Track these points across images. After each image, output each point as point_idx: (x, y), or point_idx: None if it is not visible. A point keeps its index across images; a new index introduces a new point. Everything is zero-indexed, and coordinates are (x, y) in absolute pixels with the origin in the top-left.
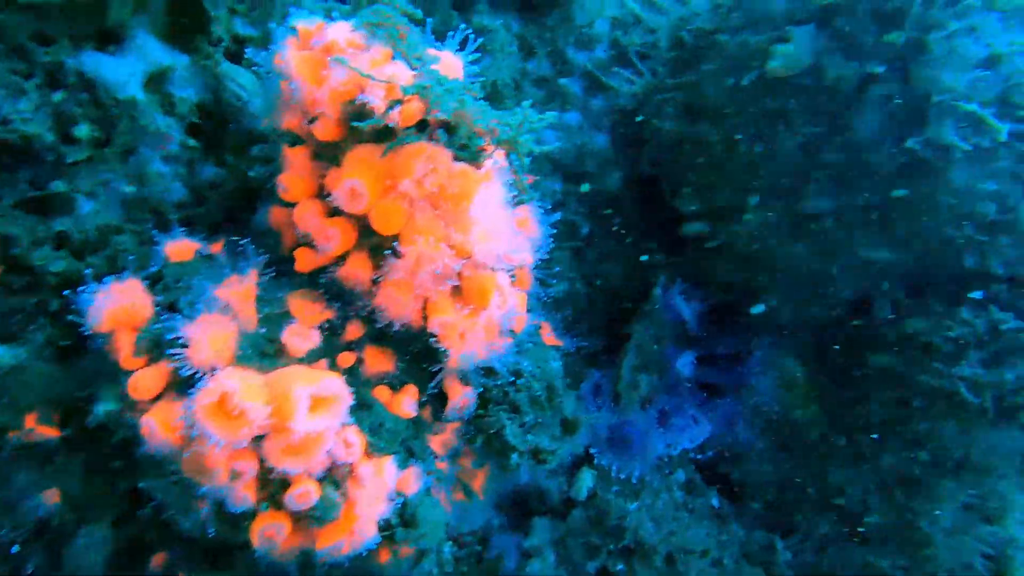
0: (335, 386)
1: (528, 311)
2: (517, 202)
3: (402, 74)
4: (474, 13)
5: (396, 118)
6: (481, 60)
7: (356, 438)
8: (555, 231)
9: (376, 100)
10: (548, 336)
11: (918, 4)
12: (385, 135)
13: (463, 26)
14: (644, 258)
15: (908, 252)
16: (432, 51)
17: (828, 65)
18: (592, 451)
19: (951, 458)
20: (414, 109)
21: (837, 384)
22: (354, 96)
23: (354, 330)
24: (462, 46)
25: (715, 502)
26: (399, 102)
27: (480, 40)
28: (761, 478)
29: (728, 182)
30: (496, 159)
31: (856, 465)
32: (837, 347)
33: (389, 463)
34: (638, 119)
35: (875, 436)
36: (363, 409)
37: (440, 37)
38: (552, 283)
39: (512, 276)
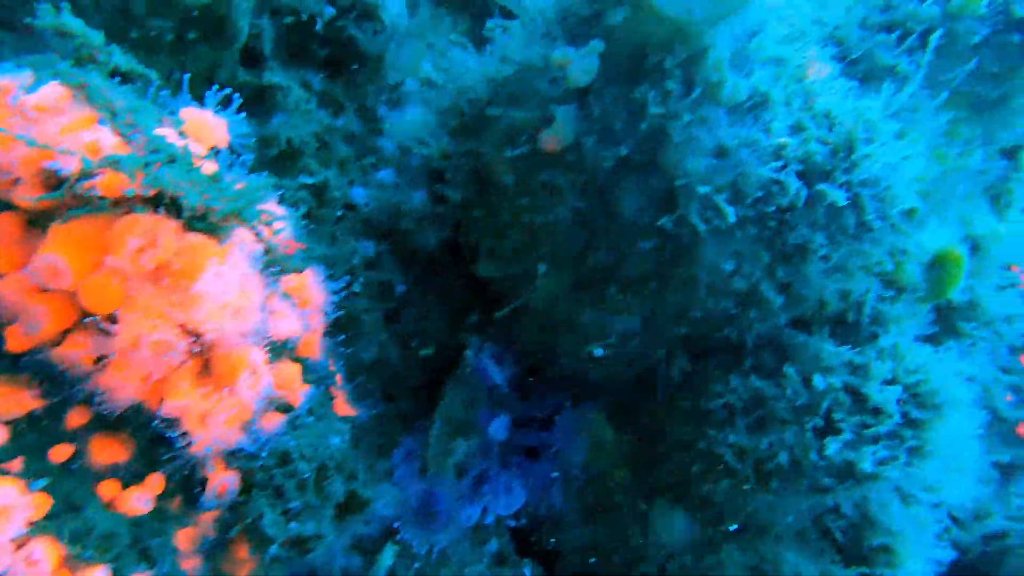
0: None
1: (316, 381)
2: (289, 269)
3: (105, 141)
4: (265, 70)
5: (94, 188)
6: (271, 119)
7: (43, 554)
8: (351, 293)
9: (67, 169)
10: (343, 406)
11: (657, 95)
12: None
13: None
14: (466, 319)
15: (684, 322)
16: (190, 110)
17: (587, 145)
18: (395, 525)
19: (732, 523)
20: (114, 180)
21: (642, 446)
22: (44, 164)
23: (77, 417)
24: (225, 105)
25: (527, 572)
26: (89, 173)
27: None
28: (574, 544)
29: (518, 250)
30: (260, 229)
31: (654, 530)
32: (638, 410)
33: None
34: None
35: (668, 500)
36: (68, 513)
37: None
38: (348, 350)
39: (288, 347)
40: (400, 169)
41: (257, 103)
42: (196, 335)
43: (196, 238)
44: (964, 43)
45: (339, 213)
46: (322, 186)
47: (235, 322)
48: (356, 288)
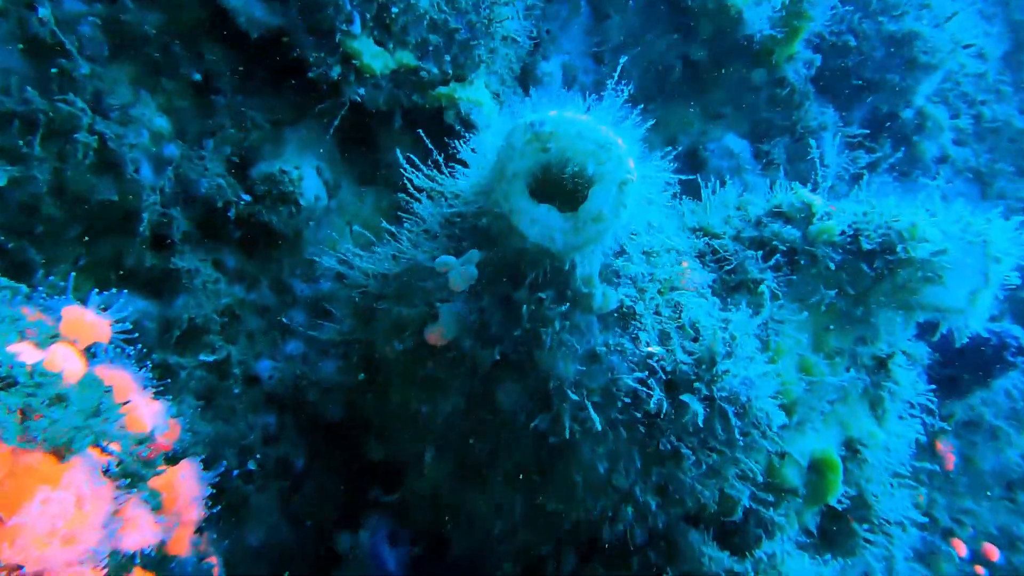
0: None
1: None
2: (149, 474)
3: None
4: (174, 255)
5: None
6: (175, 300)
7: None
8: (244, 472)
9: None
10: None
11: (531, 303)
12: None
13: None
14: (366, 494)
15: (568, 518)
16: (71, 308)
17: (467, 343)
18: None
19: None
20: None
21: None
22: None
23: None
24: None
25: None
26: None
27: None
28: None
29: (405, 435)
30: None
31: None
32: None
33: None
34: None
35: None
36: None
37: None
38: (233, 535)
39: (138, 559)
40: (309, 341)
41: (164, 284)
42: (15, 568)
43: (30, 460)
44: (824, 265)
45: (237, 391)
46: (224, 362)
47: (64, 549)
48: (251, 466)
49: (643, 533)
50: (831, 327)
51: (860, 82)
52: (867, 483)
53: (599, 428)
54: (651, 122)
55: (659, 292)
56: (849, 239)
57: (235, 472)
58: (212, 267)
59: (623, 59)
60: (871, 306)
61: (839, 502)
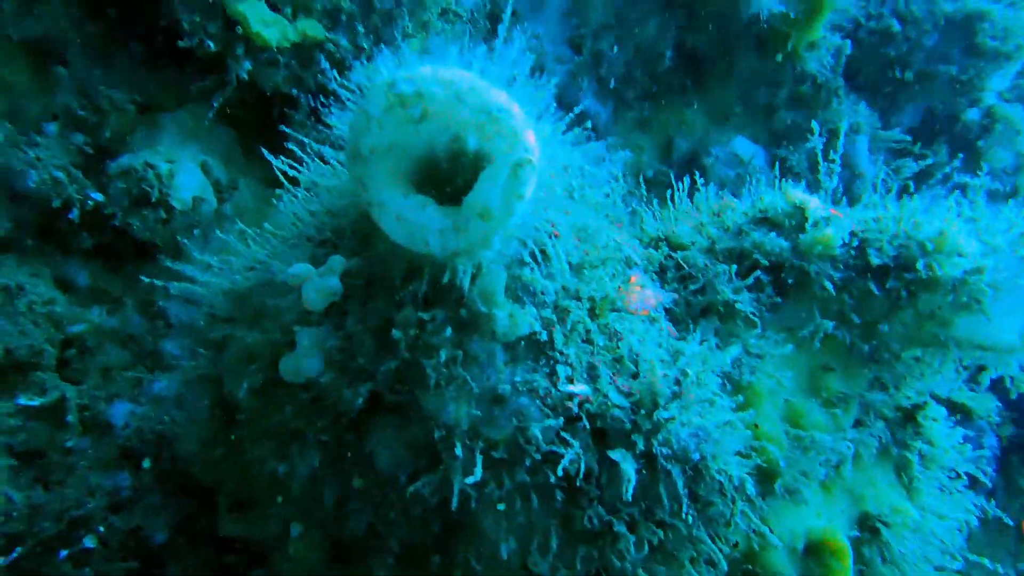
0: None
1: None
2: None
3: None
4: None
5: None
6: None
7: None
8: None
9: None
10: None
11: (411, 325)
12: None
13: None
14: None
15: None
16: None
17: (327, 382)
18: None
19: None
20: None
21: None
22: None
23: None
24: None
25: None
26: None
27: None
28: None
29: (266, 505)
30: None
31: None
32: None
33: None
34: None
35: None
36: None
37: None
38: None
39: None
40: (187, 379)
41: None
42: None
43: None
44: (819, 284)
45: (70, 444)
46: (57, 406)
47: None
48: (88, 543)
49: None
50: (832, 366)
51: (907, 75)
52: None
53: (501, 495)
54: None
55: (592, 314)
56: (854, 252)
57: (63, 553)
58: (49, 284)
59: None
60: (887, 340)
61: None
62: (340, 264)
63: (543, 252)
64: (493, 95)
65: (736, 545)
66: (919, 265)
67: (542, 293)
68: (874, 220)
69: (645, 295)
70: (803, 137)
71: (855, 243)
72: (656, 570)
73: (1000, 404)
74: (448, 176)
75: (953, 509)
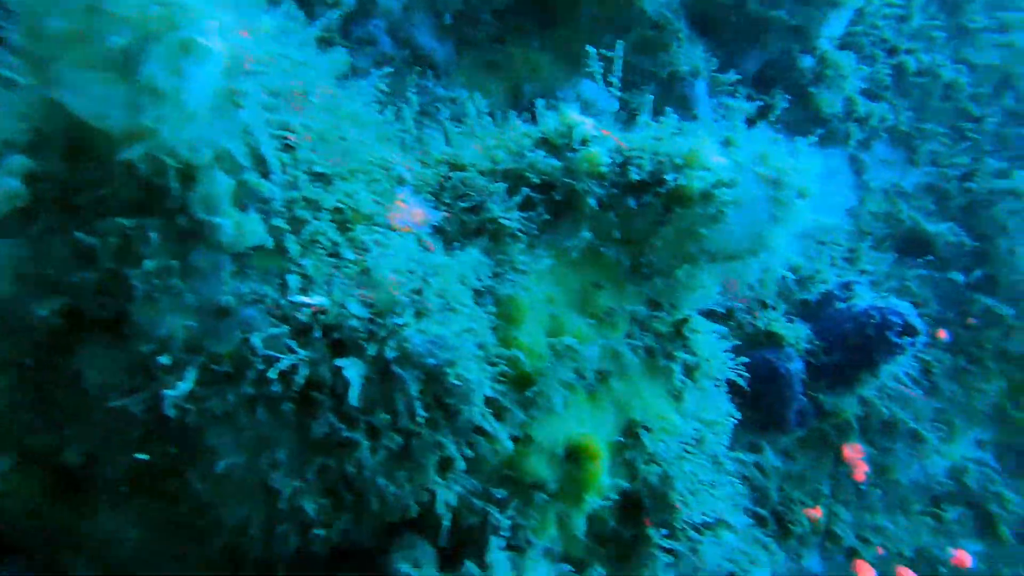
0: None
1: None
2: None
3: None
4: None
5: None
6: None
7: None
8: None
9: None
10: None
11: (113, 231)
12: None
13: None
14: None
15: (208, 543)
16: None
17: (13, 297)
18: None
19: None
20: None
21: None
22: None
23: None
24: None
25: None
26: None
27: None
28: None
29: None
30: None
31: None
32: None
33: None
34: None
35: None
36: None
37: None
38: None
39: None
40: None
41: None
42: None
43: None
44: (583, 201)
45: None
46: None
47: None
48: None
49: (321, 549)
50: (601, 284)
51: (742, 20)
52: (662, 478)
53: (226, 409)
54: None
55: (341, 227)
56: (618, 170)
57: None
58: None
59: None
60: (653, 257)
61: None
62: (20, 164)
63: (279, 159)
64: None
65: (496, 452)
66: (668, 178)
67: (273, 201)
68: (640, 140)
69: (412, 212)
70: (647, 81)
71: (620, 161)
72: (398, 476)
73: (810, 332)
74: None
75: (715, 414)
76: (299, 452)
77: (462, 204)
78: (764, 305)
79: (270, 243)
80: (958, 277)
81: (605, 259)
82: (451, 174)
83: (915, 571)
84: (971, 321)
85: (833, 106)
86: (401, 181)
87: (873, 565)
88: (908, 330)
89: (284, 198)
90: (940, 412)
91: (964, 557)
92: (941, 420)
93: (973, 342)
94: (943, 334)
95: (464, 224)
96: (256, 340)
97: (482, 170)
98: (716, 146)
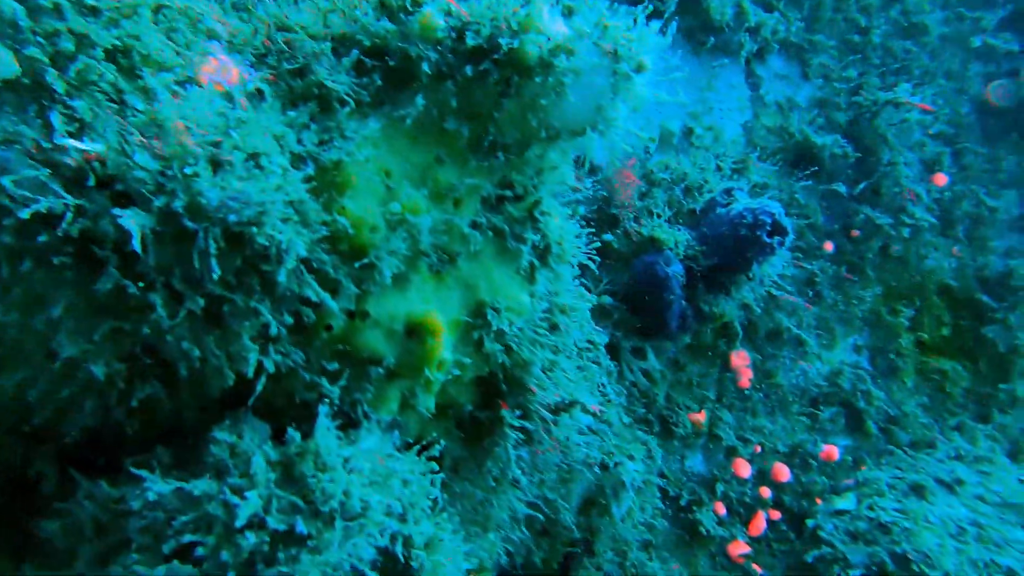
0: None
1: None
2: None
3: None
4: None
5: None
6: None
7: None
8: None
9: None
10: None
11: None
12: None
13: None
14: None
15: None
16: None
17: None
18: None
19: None
20: None
21: None
22: None
23: None
24: None
25: None
26: None
27: None
28: None
29: None
30: None
31: None
32: None
33: None
34: None
35: None
36: None
37: None
38: None
39: None
40: None
41: None
42: None
43: None
44: (417, 67)
45: None
46: None
47: None
48: None
49: (136, 426)
50: (443, 159)
51: None
52: (517, 362)
53: None
54: None
55: (128, 72)
56: (454, 35)
57: None
58: None
59: None
60: (499, 133)
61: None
62: None
63: None
64: None
65: (329, 328)
66: (503, 43)
67: (22, 29)
68: (481, 6)
69: (226, 70)
70: None
71: (458, 26)
72: (207, 341)
73: (691, 238)
74: None
75: (570, 298)
76: (83, 312)
77: (287, 66)
78: (651, 213)
79: (24, 77)
80: (841, 189)
81: (449, 135)
82: (276, 35)
83: (789, 465)
84: (855, 233)
85: (724, 14)
86: (212, 35)
87: (750, 461)
88: (778, 229)
89: (33, 28)
90: (822, 320)
91: (832, 451)
92: (823, 328)
93: (855, 252)
94: (829, 246)
95: (292, 89)
96: (5, 181)
97: (312, 33)
98: (556, 14)
